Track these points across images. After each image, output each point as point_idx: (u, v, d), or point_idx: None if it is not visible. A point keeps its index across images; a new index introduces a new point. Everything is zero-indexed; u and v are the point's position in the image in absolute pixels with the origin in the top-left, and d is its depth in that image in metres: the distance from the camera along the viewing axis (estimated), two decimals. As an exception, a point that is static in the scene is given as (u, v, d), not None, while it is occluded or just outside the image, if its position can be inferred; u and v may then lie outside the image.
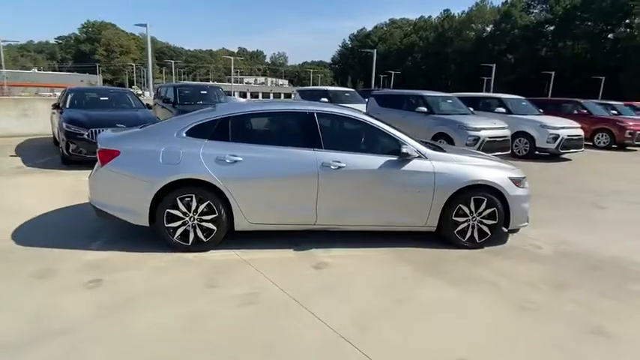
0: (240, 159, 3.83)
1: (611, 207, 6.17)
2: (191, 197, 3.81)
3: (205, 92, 10.82)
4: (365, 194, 4.02)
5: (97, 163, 3.98)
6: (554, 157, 10.58)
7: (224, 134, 3.95)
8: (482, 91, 45.78)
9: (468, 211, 4.14)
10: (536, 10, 76.11)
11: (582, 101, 13.99)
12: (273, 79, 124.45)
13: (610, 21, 63.14)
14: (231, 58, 71.51)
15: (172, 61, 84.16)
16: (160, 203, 3.79)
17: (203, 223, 3.87)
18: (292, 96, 16.98)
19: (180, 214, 3.84)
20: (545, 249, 4.29)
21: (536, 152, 10.38)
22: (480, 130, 8.79)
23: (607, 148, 13.37)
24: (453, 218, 4.14)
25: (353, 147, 4.13)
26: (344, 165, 3.92)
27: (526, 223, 4.35)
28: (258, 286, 3.31)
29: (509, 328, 2.85)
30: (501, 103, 11.05)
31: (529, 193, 4.35)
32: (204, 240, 3.90)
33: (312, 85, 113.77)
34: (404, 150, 4.03)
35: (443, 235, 4.22)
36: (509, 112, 10.68)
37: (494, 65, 52.11)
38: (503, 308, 3.10)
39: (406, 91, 11.82)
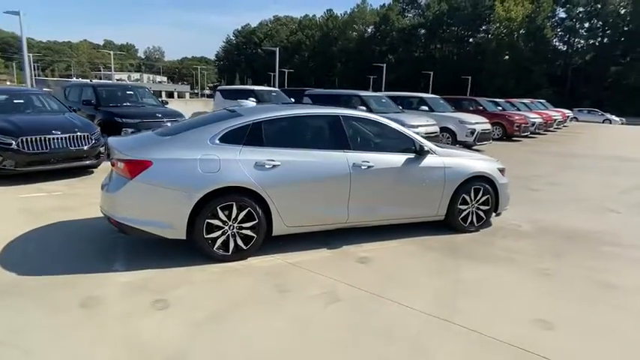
0: (278, 163, 3.93)
1: (542, 189, 7.61)
2: (231, 205, 3.80)
3: (132, 92, 10.03)
4: (389, 190, 4.45)
5: (118, 175, 3.71)
6: (467, 148, 12.30)
7: (258, 139, 4.00)
8: (369, 90, 49.78)
9: (469, 200, 4.86)
10: (411, 15, 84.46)
11: (477, 99, 16.41)
12: (150, 76, 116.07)
13: (471, 27, 73.41)
14: (111, 52, 64.52)
15: (31, 55, 73.12)
16: (199, 214, 3.70)
17: (243, 231, 3.88)
18: (214, 97, 16.42)
19: (220, 224, 3.80)
20: (524, 227, 5.24)
21: (457, 145, 11.97)
22: (417, 127, 9.85)
23: (499, 139, 15.92)
24: (458, 207, 4.81)
25: (376, 147, 4.53)
26: (372, 165, 4.29)
27: (507, 207, 5.25)
28: (327, 285, 3.51)
29: (547, 290, 3.56)
30: (423, 101, 12.44)
31: (508, 180, 5.25)
32: (244, 248, 3.92)
33: (196, 83, 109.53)
34: (419, 148, 4.56)
35: (449, 223, 4.86)
36: (431, 109, 12.11)
37: (385, 65, 56.51)
38: (531, 277, 3.82)
39: (340, 90, 12.73)
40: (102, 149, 7.24)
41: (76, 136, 6.79)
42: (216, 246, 3.82)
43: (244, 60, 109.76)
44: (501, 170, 5.08)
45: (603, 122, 36.31)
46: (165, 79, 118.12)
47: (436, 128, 10.64)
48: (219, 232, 3.81)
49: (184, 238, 3.75)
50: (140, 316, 2.96)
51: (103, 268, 3.68)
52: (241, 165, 3.82)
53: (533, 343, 2.76)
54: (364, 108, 10.51)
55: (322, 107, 4.62)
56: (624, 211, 6.24)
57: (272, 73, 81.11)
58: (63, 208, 5.36)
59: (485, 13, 69.27)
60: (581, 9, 63.53)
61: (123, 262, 3.83)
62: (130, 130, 8.58)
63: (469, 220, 4.91)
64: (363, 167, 4.24)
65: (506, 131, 15.70)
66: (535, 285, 3.66)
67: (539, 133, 18.92)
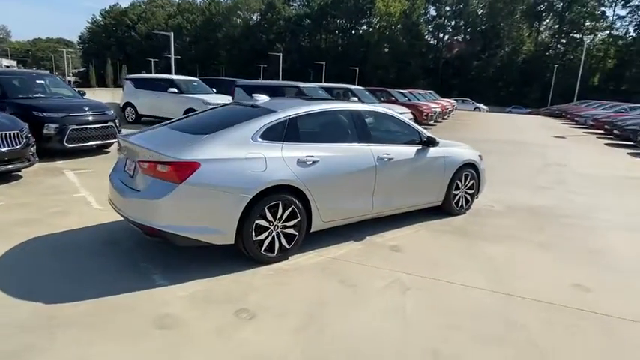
0: (317, 159, 3.94)
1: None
2: (277, 204, 3.71)
3: (42, 81, 8.59)
4: (403, 181, 4.75)
5: (157, 179, 3.35)
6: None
7: (294, 135, 3.94)
8: (260, 79, 49.82)
9: (460, 185, 5.41)
10: (296, 4, 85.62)
11: (389, 90, 17.66)
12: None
13: (355, 19, 77.38)
14: None
15: None
16: (248, 216, 3.54)
17: (286, 230, 3.82)
18: (123, 86, 14.73)
19: (267, 224, 3.69)
20: (497, 207, 6.01)
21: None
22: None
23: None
24: (453, 192, 5.34)
25: (391, 140, 4.77)
26: (392, 157, 4.53)
27: (484, 190, 5.96)
28: (386, 276, 3.68)
29: (560, 259, 4.24)
30: (352, 92, 13.02)
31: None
32: (287, 247, 3.87)
33: (56, 68, 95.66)
34: (426, 139, 4.94)
35: (445, 208, 5.36)
36: (360, 100, 12.73)
37: (281, 54, 56.60)
38: (538, 250, 4.47)
39: (278, 82, 12.93)
40: (33, 149, 6.22)
41: (6, 134, 5.71)
42: (263, 248, 3.70)
43: (115, 43, 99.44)
44: (480, 157, 5.74)
45: (474, 110, 41.71)
46: (13, 63, 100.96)
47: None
48: (266, 234, 3.70)
49: (232, 242, 3.56)
50: (235, 329, 2.80)
51: (145, 283, 3.32)
52: (286, 162, 3.74)
53: (583, 303, 3.33)
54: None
55: (342, 102, 4.70)
56: (555, 187, 7.53)
57: (152, 60, 75.78)
58: (23, 221, 4.54)
59: (367, 7, 73.57)
60: (447, 8, 71.52)
61: (160, 274, 3.49)
62: (53, 126, 7.45)
63: (460, 204, 5.48)
64: (385, 160, 4.45)
65: (417, 120, 17.22)
66: (546, 256, 4.31)
67: (437, 122, 21.10)
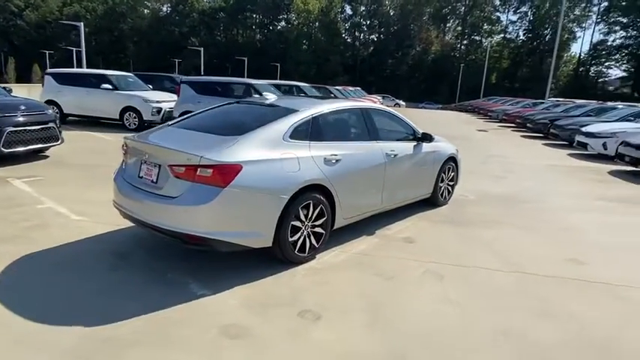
0: (340, 157, 4.00)
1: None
2: (309, 204, 3.72)
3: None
4: (406, 175, 4.98)
5: (196, 184, 3.17)
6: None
7: (318, 134, 3.96)
8: (175, 74, 47.53)
9: (444, 177, 5.81)
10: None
11: (329, 87, 18.02)
12: None
13: (272, 15, 76.96)
14: None
15: None
16: (285, 217, 3.51)
17: (315, 229, 3.85)
18: (43, 82, 13.04)
19: (300, 225, 3.68)
20: (470, 196, 6.53)
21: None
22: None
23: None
24: (439, 184, 5.72)
25: (393, 137, 4.96)
26: (397, 153, 4.74)
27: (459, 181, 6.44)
28: (416, 266, 3.87)
29: (546, 240, 4.77)
30: (300, 89, 13.05)
31: (460, 158, 6.42)
32: (316, 246, 3.89)
33: None
34: (420, 135, 5.22)
35: (432, 199, 5.71)
36: (307, 96, 12.86)
37: (202, 49, 54.32)
38: (526, 232, 4.99)
39: (228, 78, 12.54)
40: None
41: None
42: (297, 248, 3.69)
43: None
44: (457, 150, 6.20)
45: (395, 105, 43.98)
46: None
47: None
48: (299, 234, 3.69)
49: (270, 245, 3.50)
50: (307, 331, 2.79)
51: (187, 294, 3.14)
52: (315, 161, 3.76)
53: (586, 274, 3.84)
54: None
55: (353, 100, 4.77)
56: (508, 176, 8.36)
57: (47, 52, 68.18)
58: (-2, 239, 3.99)
59: (284, 3, 73.61)
60: (362, 7, 74.28)
61: (196, 284, 3.32)
62: (-14, 127, 6.51)
63: (444, 195, 5.88)
64: (391, 156, 4.65)
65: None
66: (532, 237, 4.84)
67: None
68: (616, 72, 62.11)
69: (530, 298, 3.38)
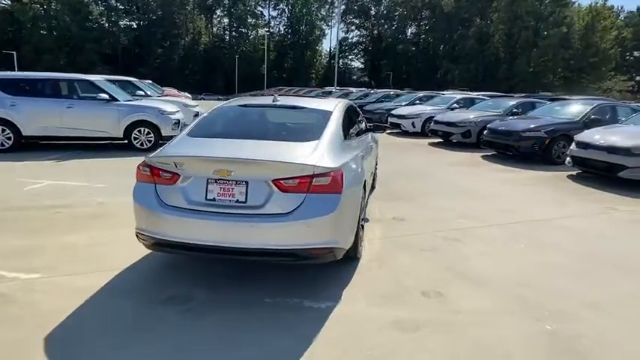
0: (362, 153, 4.27)
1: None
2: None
3: None
4: (372, 163, 5.50)
5: (312, 194, 2.97)
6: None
7: (346, 133, 4.07)
8: None
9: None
10: None
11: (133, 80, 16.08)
12: None
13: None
14: None
15: None
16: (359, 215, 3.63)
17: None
18: None
19: (363, 222, 3.85)
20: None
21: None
22: (175, 113, 10.02)
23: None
24: (375, 169, 6.46)
25: (363, 130, 5.32)
26: (371, 143, 5.28)
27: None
28: (433, 239, 4.54)
29: (501, 210, 6.15)
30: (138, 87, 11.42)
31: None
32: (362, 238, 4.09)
33: None
34: (370, 126, 5.78)
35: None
36: (147, 94, 11.40)
37: None
38: (482, 203, 6.27)
39: (58, 75, 9.71)
40: None
41: None
42: (360, 244, 3.83)
43: None
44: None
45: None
46: None
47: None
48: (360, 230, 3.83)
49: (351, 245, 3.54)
50: (464, 323, 3.14)
51: (318, 312, 2.98)
52: (359, 159, 3.95)
53: (557, 220, 5.29)
54: (106, 96, 8.97)
55: (342, 99, 4.86)
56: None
57: None
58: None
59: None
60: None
61: (312, 300, 3.14)
62: None
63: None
64: (368, 146, 5.06)
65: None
66: (489, 205, 6.17)
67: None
68: (357, 64, 75.86)
69: (563, 239, 4.54)
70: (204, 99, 49.07)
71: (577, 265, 3.98)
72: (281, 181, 2.95)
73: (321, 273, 3.53)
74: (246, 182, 2.98)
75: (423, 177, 7.83)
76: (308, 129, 3.64)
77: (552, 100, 13.41)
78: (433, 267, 3.80)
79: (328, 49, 76.25)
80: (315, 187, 2.99)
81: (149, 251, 3.78)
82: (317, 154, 3.17)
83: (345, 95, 22.40)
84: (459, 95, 15.95)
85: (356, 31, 73.18)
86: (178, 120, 9.80)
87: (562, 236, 4.78)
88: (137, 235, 3.22)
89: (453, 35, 64.89)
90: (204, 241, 3.01)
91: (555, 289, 3.47)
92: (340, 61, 72.16)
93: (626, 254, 4.30)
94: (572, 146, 8.22)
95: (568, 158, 8.28)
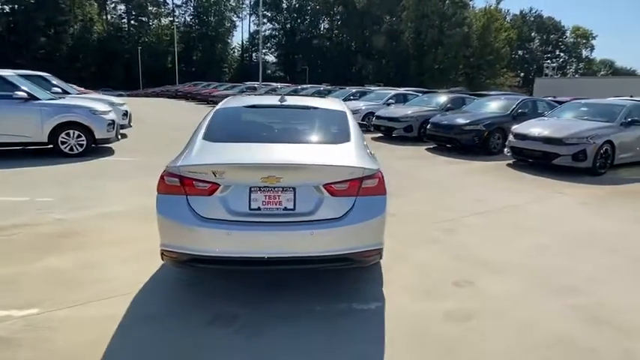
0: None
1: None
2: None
3: None
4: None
5: (367, 197, 3.02)
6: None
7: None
8: None
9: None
10: None
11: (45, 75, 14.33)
12: None
13: None
14: None
15: None
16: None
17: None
18: None
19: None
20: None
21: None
22: (108, 112, 8.93)
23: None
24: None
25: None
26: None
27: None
28: (436, 230, 4.83)
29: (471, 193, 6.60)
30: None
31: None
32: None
33: None
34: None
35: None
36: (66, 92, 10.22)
37: None
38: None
39: None
40: None
41: None
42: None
43: None
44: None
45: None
46: None
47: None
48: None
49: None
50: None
51: (377, 314, 3.06)
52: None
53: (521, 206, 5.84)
54: (24, 94, 7.96)
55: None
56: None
57: None
58: None
59: None
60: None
61: (359, 301, 3.21)
62: None
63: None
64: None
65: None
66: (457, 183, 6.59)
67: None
68: (271, 58, 75.43)
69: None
70: (105, 94, 45.11)
71: (560, 245, 4.53)
72: (332, 185, 2.95)
73: (350, 274, 3.59)
74: (294, 188, 2.93)
75: (385, 171, 8.15)
76: (331, 130, 3.66)
77: (479, 95, 14.72)
78: (446, 258, 4.07)
79: (241, 43, 74.89)
80: (364, 190, 3.03)
81: (153, 271, 3.59)
82: (357, 156, 3.22)
83: (273, 91, 22.25)
84: (392, 91, 16.76)
85: (268, 24, 72.70)
86: (113, 120, 8.89)
87: (536, 220, 5.39)
88: (163, 253, 3.00)
89: (365, 31, 67.68)
90: (251, 254, 2.91)
91: (555, 267, 3.94)
92: (254, 54, 71.33)
93: (592, 233, 4.97)
94: (510, 138, 9.18)
95: (507, 149, 9.23)
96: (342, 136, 3.51)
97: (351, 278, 3.56)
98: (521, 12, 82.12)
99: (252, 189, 2.91)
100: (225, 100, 4.33)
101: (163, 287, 3.39)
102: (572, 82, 44.04)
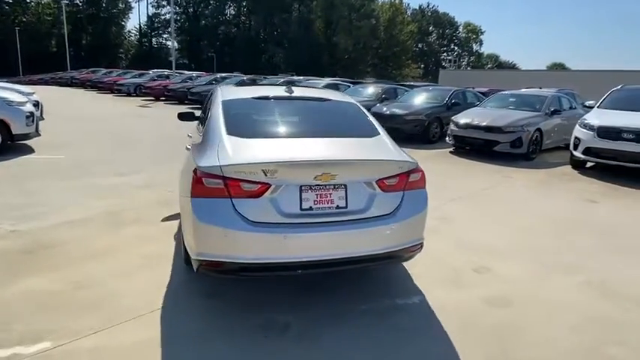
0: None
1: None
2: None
3: None
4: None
5: (409, 191, 3.00)
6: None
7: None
8: None
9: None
10: None
11: None
12: None
13: None
14: None
15: None
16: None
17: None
18: None
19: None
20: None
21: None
22: (25, 104, 7.72)
23: None
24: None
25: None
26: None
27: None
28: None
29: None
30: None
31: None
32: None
33: None
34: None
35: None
36: None
37: None
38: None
39: None
40: None
41: None
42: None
43: None
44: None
45: None
46: None
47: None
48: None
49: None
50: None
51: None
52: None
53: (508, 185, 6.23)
54: None
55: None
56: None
57: None
58: None
59: None
60: None
61: (400, 297, 3.21)
62: None
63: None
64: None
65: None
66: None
67: None
68: (174, 44, 71.07)
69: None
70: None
71: (543, 226, 4.96)
72: (384, 181, 2.88)
73: (378, 271, 3.58)
74: (345, 185, 2.81)
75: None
76: (355, 123, 3.57)
77: (409, 87, 15.46)
78: (453, 246, 4.23)
79: (138, 26, 69.47)
80: (410, 184, 3.01)
81: (163, 283, 3.27)
82: (396, 149, 3.19)
83: (190, 80, 21.16)
84: (323, 82, 16.87)
85: (167, 7, 68.43)
86: (32, 112, 7.70)
87: (507, 204, 5.86)
88: (201, 264, 2.71)
89: (274, 19, 67.03)
90: (305, 257, 2.73)
91: (551, 247, 4.32)
92: (154, 40, 66.95)
93: (559, 213, 5.52)
94: (452, 127, 9.81)
95: (449, 137, 9.86)
96: (369, 129, 3.45)
97: (380, 275, 3.54)
98: (420, 7, 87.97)
99: (303, 188, 2.74)
100: (220, 90, 3.94)
101: (187, 300, 3.06)
102: (472, 73, 48.39)
